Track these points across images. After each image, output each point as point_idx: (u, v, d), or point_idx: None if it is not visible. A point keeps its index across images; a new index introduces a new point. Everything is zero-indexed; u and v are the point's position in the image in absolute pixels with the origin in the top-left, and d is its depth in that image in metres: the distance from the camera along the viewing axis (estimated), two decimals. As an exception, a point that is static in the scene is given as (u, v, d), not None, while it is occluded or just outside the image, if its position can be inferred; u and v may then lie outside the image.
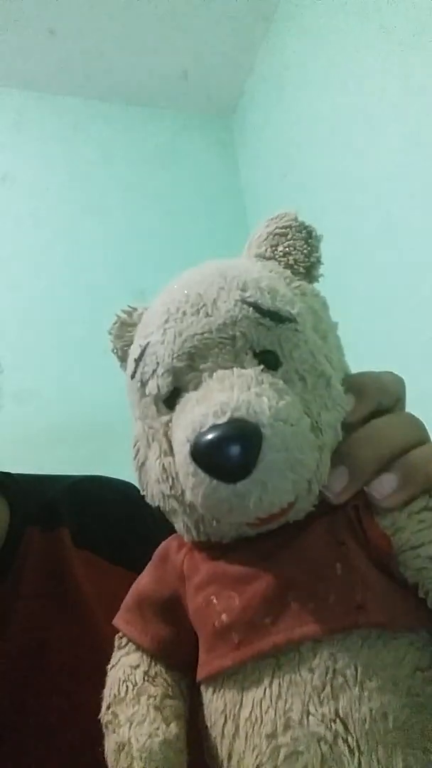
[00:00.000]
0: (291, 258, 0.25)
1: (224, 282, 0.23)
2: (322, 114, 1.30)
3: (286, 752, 0.20)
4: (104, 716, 0.24)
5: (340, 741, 0.19)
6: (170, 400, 0.23)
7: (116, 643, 0.27)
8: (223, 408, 0.20)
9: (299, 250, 0.25)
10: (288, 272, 0.25)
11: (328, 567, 0.21)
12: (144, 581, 0.27)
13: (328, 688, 0.20)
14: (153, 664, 0.25)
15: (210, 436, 0.19)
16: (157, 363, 0.23)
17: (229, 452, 0.19)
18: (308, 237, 0.25)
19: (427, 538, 0.21)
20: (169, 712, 0.23)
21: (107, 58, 1.54)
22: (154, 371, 0.23)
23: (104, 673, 0.27)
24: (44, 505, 0.50)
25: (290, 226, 0.25)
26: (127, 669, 0.25)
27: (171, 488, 0.23)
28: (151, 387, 0.23)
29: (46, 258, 1.49)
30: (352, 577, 0.21)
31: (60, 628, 0.42)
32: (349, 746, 0.19)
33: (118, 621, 0.27)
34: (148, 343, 0.24)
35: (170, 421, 0.23)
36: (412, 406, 0.27)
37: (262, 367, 0.22)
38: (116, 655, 0.26)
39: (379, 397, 0.25)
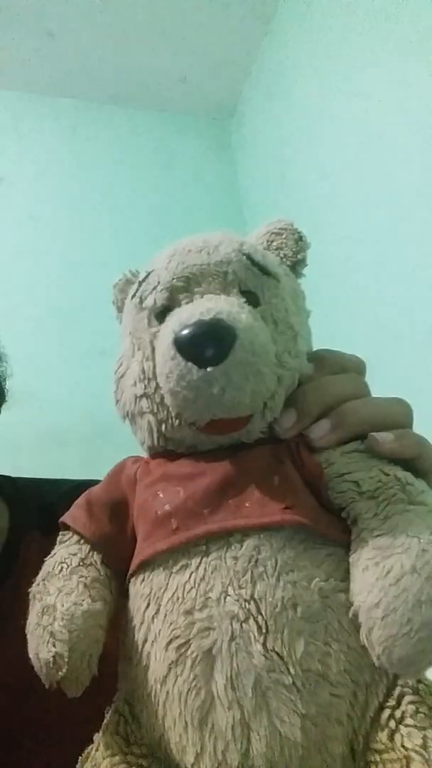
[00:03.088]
0: (282, 252, 0.30)
1: (227, 237, 0.28)
2: (319, 117, 1.30)
3: (199, 627, 0.22)
4: (33, 589, 0.27)
5: (251, 620, 0.21)
6: (161, 315, 0.27)
7: (58, 539, 0.29)
8: (209, 310, 0.23)
9: (289, 247, 0.30)
10: (278, 260, 0.30)
11: (268, 477, 0.24)
12: (96, 488, 0.30)
13: (248, 575, 0.22)
14: (90, 554, 0.27)
15: (193, 327, 0.23)
16: (158, 282, 0.27)
17: (206, 341, 0.23)
18: (299, 239, 0.30)
19: (354, 468, 0.24)
20: (97, 593, 0.26)
21: (106, 61, 1.55)
22: (154, 288, 0.27)
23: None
24: (44, 509, 0.50)
25: (286, 229, 0.30)
26: (64, 554, 0.28)
27: (145, 387, 0.26)
28: (149, 301, 0.27)
29: (45, 260, 1.49)
30: (287, 486, 0.24)
31: None
32: (258, 624, 0.21)
33: (65, 517, 0.29)
34: (153, 270, 0.28)
35: (158, 332, 0.27)
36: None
37: (245, 299, 0.26)
38: (56, 549, 0.28)
39: (336, 369, 0.29)
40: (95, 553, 0.27)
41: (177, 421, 0.26)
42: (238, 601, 0.22)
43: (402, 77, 1.01)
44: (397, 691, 0.21)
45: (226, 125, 1.81)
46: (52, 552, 0.29)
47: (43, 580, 0.27)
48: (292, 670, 0.21)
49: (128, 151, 1.67)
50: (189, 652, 0.22)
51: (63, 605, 0.25)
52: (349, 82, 1.18)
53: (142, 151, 1.68)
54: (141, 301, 0.28)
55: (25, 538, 0.47)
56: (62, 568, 0.27)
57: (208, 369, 0.22)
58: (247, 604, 0.22)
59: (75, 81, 1.59)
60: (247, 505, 0.24)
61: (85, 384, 1.39)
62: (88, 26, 1.43)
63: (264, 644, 0.21)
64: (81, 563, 0.27)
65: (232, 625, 0.21)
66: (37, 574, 0.45)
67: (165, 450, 0.28)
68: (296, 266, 0.30)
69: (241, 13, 1.44)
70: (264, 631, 0.21)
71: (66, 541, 0.29)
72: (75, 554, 0.27)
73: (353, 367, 0.31)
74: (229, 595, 0.22)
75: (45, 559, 0.29)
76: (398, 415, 0.27)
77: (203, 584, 0.22)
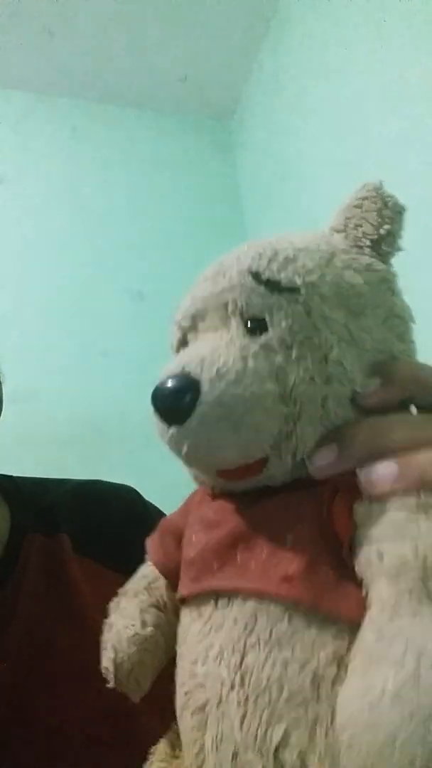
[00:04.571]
0: (360, 230, 0.25)
1: (245, 252, 0.24)
2: (320, 117, 1.30)
3: (197, 681, 0.22)
4: (113, 602, 0.29)
5: (234, 691, 0.20)
6: None
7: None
8: (180, 362, 0.22)
9: (369, 222, 0.25)
10: (346, 243, 0.25)
11: (280, 535, 0.22)
12: (172, 514, 0.30)
13: (242, 642, 0.21)
14: (158, 578, 0.29)
15: (160, 383, 0.22)
16: (174, 322, 0.27)
17: (168, 398, 0.22)
18: (383, 208, 0.25)
19: (387, 533, 0.19)
20: (150, 618, 0.27)
21: (106, 61, 1.55)
22: (173, 329, 0.27)
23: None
24: (44, 510, 0.50)
25: (367, 197, 0.25)
26: (139, 575, 0.30)
27: None
28: (171, 341, 0.27)
29: (44, 260, 1.49)
30: (297, 549, 0.21)
31: (60, 632, 0.42)
32: (239, 698, 0.20)
33: (147, 540, 0.31)
34: (178, 307, 0.27)
35: None
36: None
37: (243, 331, 0.23)
38: (140, 568, 0.30)
39: (411, 388, 0.23)
40: (162, 578, 0.29)
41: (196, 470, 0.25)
42: (228, 666, 0.21)
43: (402, 77, 1.01)
44: None
45: (226, 125, 1.81)
46: (139, 569, 0.30)
47: (120, 596, 0.29)
48: (264, 757, 0.19)
49: (128, 150, 1.67)
50: (191, 701, 0.22)
51: (116, 627, 0.27)
52: (349, 82, 1.18)
53: (142, 150, 1.68)
54: (170, 345, 0.28)
55: (25, 538, 0.47)
56: (133, 588, 0.29)
57: (171, 430, 0.22)
58: (234, 673, 0.20)
59: (75, 80, 1.59)
60: (252, 565, 0.22)
61: (85, 384, 1.39)
62: (88, 26, 1.43)
63: (242, 720, 0.20)
64: (147, 587, 0.29)
65: (221, 690, 0.21)
66: (38, 573, 0.45)
67: (209, 488, 0.27)
68: (379, 243, 0.25)
69: (241, 13, 1.44)
70: (243, 707, 0.20)
71: (147, 562, 0.30)
72: (146, 576, 0.29)
73: None
74: (223, 658, 0.21)
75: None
76: None
77: (208, 639, 0.22)
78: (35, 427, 1.25)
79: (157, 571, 0.29)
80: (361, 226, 0.25)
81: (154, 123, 1.72)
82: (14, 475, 0.54)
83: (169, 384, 0.22)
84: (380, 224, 0.25)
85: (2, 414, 0.51)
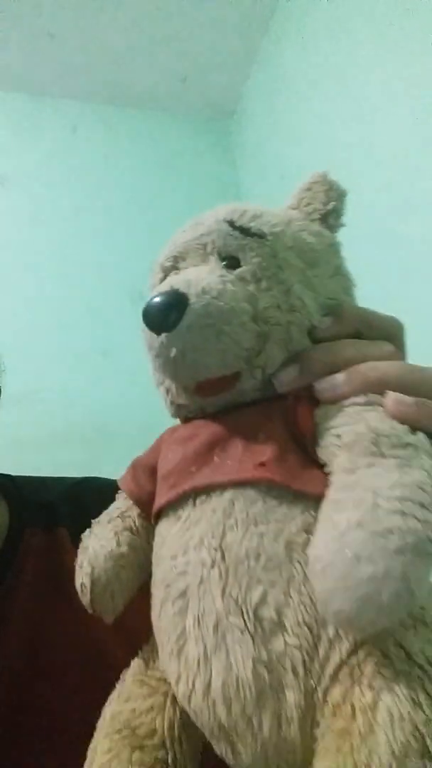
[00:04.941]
0: (311, 207, 0.30)
1: (221, 209, 0.29)
2: (320, 117, 1.30)
3: (178, 571, 0.24)
4: (86, 532, 0.31)
5: (215, 567, 0.23)
6: None
7: (116, 495, 0.33)
8: (170, 283, 0.25)
9: (318, 200, 0.30)
10: (300, 215, 0.29)
11: (252, 434, 0.25)
12: (142, 454, 0.33)
13: (221, 526, 0.23)
14: (131, 507, 0.31)
15: (151, 299, 0.25)
16: (156, 264, 0.30)
17: (159, 309, 0.24)
18: (329, 189, 0.30)
19: (343, 421, 0.23)
20: (124, 539, 0.29)
21: (106, 62, 1.55)
22: (154, 272, 0.30)
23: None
24: (43, 506, 0.50)
25: (316, 182, 0.30)
26: (112, 507, 0.32)
27: (152, 363, 0.28)
28: (151, 283, 0.30)
29: (45, 260, 1.49)
30: (268, 442, 0.25)
31: (59, 627, 0.42)
32: (219, 571, 0.23)
33: (118, 479, 0.33)
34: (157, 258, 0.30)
35: None
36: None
37: (221, 265, 0.27)
38: (111, 504, 0.33)
39: (358, 326, 0.27)
40: (135, 508, 0.31)
41: (174, 389, 0.28)
42: (208, 549, 0.23)
43: (402, 76, 1.01)
44: (363, 650, 0.21)
45: (225, 125, 1.81)
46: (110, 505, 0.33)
47: (92, 526, 0.32)
48: (245, 617, 0.22)
49: (128, 151, 1.68)
50: (171, 591, 0.24)
51: (92, 547, 0.29)
52: (348, 82, 1.18)
53: (142, 151, 1.68)
54: (150, 286, 0.30)
55: (25, 536, 0.47)
56: (106, 518, 0.31)
57: (162, 336, 0.24)
58: (215, 552, 0.23)
59: (75, 81, 1.60)
60: (228, 462, 0.25)
61: (85, 384, 1.39)
62: (88, 27, 1.44)
63: (223, 590, 0.22)
64: (120, 515, 0.31)
65: (201, 571, 0.23)
66: (37, 568, 0.45)
67: (183, 416, 0.30)
68: (327, 217, 0.29)
69: (240, 13, 1.44)
70: (224, 577, 0.22)
71: (118, 497, 0.33)
72: (119, 507, 0.32)
73: (382, 328, 0.28)
74: (203, 544, 0.24)
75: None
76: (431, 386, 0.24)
77: (187, 533, 0.25)
78: (35, 427, 1.25)
79: (129, 502, 0.31)
80: (311, 203, 0.30)
81: (154, 123, 1.73)
82: (13, 474, 0.54)
83: (160, 298, 0.25)
84: (327, 201, 0.29)
85: (3, 414, 0.51)
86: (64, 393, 1.37)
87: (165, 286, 0.25)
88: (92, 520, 0.32)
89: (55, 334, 1.42)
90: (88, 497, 0.53)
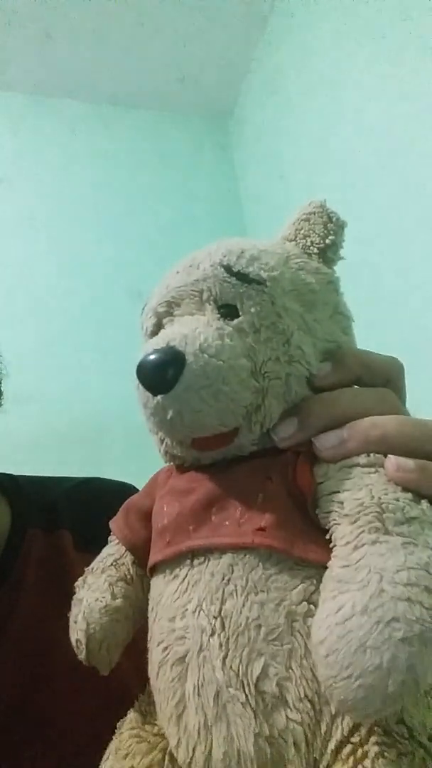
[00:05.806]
0: (308, 240, 0.29)
1: (216, 249, 0.27)
2: (318, 115, 1.30)
3: (177, 635, 0.24)
4: (78, 581, 0.31)
5: (215, 636, 0.22)
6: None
7: (109, 539, 0.32)
8: (164, 338, 0.24)
9: (316, 233, 0.29)
10: (297, 250, 0.29)
11: (252, 495, 0.24)
12: (135, 495, 0.32)
13: (219, 592, 0.23)
14: (124, 555, 0.30)
15: (147, 356, 0.24)
16: (149, 309, 0.29)
17: (155, 369, 0.24)
18: (328, 221, 0.29)
19: (345, 486, 0.23)
20: (119, 591, 0.29)
21: (104, 62, 1.55)
22: (147, 315, 0.29)
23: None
24: (45, 506, 0.50)
25: (314, 213, 0.29)
26: (104, 553, 0.31)
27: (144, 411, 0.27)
28: (144, 327, 0.29)
29: (44, 261, 1.49)
30: (268, 504, 0.24)
31: (61, 627, 0.42)
32: (220, 641, 0.22)
33: (110, 522, 0.32)
34: (149, 297, 0.29)
35: None
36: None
37: (218, 315, 0.26)
38: (104, 548, 0.32)
39: (358, 371, 0.27)
40: (129, 555, 0.30)
41: (170, 441, 0.27)
42: (207, 616, 0.23)
43: (400, 75, 1.01)
44: (365, 728, 0.20)
45: (224, 125, 1.81)
46: (102, 550, 0.32)
47: (85, 575, 0.31)
48: (247, 690, 0.21)
49: (127, 151, 1.67)
50: (169, 655, 0.24)
51: (87, 600, 0.29)
52: (346, 81, 1.18)
53: (141, 151, 1.68)
54: (142, 328, 0.30)
55: (26, 536, 0.47)
56: (99, 566, 0.31)
57: (159, 397, 0.23)
58: (214, 620, 0.23)
59: (73, 81, 1.60)
60: (226, 523, 0.24)
61: (85, 384, 1.39)
62: (85, 27, 1.43)
63: (223, 660, 0.22)
64: (113, 563, 0.30)
65: (201, 638, 0.23)
66: (39, 569, 0.45)
67: (178, 464, 0.29)
68: (325, 251, 0.28)
69: (238, 12, 1.44)
70: (225, 648, 0.22)
71: (111, 542, 0.32)
72: (112, 554, 0.31)
73: (381, 370, 0.27)
74: (202, 610, 0.23)
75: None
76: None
77: (185, 596, 0.24)
78: (35, 428, 1.25)
79: (122, 549, 0.31)
80: (309, 236, 0.29)
81: (152, 123, 1.73)
82: (15, 474, 0.54)
83: (156, 356, 0.24)
84: (326, 235, 0.28)
85: (3, 414, 0.51)
86: (64, 393, 1.37)
87: (160, 341, 0.24)
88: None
89: (55, 334, 1.42)
90: (89, 499, 0.53)
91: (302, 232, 0.29)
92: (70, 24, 1.42)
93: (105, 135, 1.66)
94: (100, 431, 1.35)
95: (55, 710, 0.40)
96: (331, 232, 0.28)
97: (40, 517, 0.49)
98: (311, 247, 0.28)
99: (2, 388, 0.54)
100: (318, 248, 0.28)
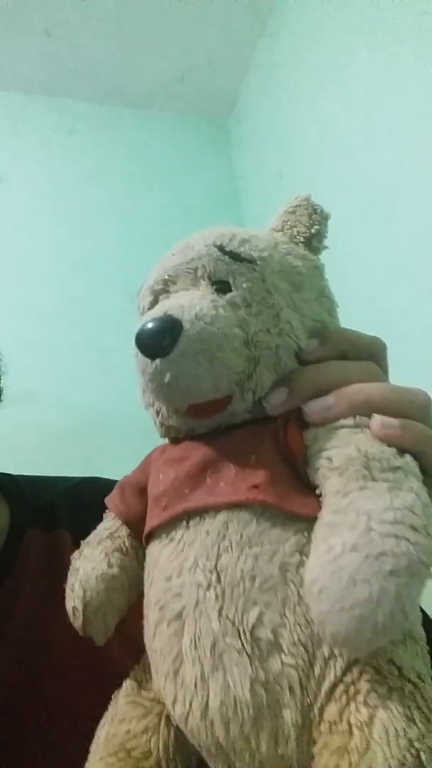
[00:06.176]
0: (295, 230, 0.30)
1: (209, 233, 0.29)
2: (317, 115, 1.30)
3: (173, 592, 0.24)
4: (75, 553, 0.31)
5: (211, 588, 0.23)
6: None
7: (104, 515, 0.33)
8: (163, 308, 0.25)
9: (302, 223, 0.30)
10: (285, 238, 0.30)
11: (244, 456, 0.25)
12: (130, 473, 0.33)
13: (215, 548, 0.24)
14: (120, 528, 0.31)
15: (144, 324, 0.25)
16: (145, 287, 0.30)
17: (153, 335, 0.25)
18: (313, 213, 0.30)
19: (333, 444, 0.24)
20: (115, 560, 0.29)
21: (103, 61, 1.55)
22: (143, 294, 0.30)
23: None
24: (44, 506, 0.50)
25: (299, 205, 0.31)
26: (100, 527, 0.32)
27: (141, 384, 0.28)
28: (140, 306, 0.31)
29: (43, 259, 1.49)
30: (260, 464, 0.25)
31: (60, 628, 0.42)
32: (216, 593, 0.23)
33: (106, 499, 0.33)
34: (145, 280, 0.31)
35: None
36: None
37: (211, 290, 0.27)
38: (100, 523, 0.33)
39: (344, 347, 0.28)
40: (124, 528, 0.31)
41: (165, 411, 0.28)
42: (203, 571, 0.24)
43: (400, 74, 1.01)
44: (357, 668, 0.21)
45: (223, 124, 1.81)
46: (98, 526, 0.33)
47: (81, 547, 0.31)
48: (242, 637, 0.22)
49: (126, 150, 1.67)
50: (166, 612, 0.24)
51: (83, 569, 0.29)
52: (346, 79, 1.18)
53: (140, 150, 1.68)
54: (138, 308, 0.31)
55: (26, 536, 0.47)
56: (95, 539, 0.31)
57: (156, 362, 0.24)
58: (210, 574, 0.23)
59: (72, 80, 1.59)
60: (221, 484, 0.25)
61: (84, 383, 1.39)
62: (85, 26, 1.43)
63: (219, 611, 0.23)
64: (109, 536, 0.31)
65: (197, 593, 0.23)
66: (38, 569, 0.45)
67: (172, 437, 0.30)
68: (310, 240, 0.30)
69: (237, 11, 1.44)
70: (221, 599, 0.23)
71: (106, 517, 0.33)
72: (108, 528, 0.32)
73: (364, 346, 0.29)
74: (198, 566, 0.24)
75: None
76: (413, 406, 0.25)
77: (181, 555, 0.25)
78: (34, 427, 1.25)
79: (117, 523, 0.31)
80: (295, 226, 0.30)
81: (151, 123, 1.73)
82: (14, 473, 0.54)
83: (154, 324, 0.25)
84: (311, 225, 0.30)
85: (2, 414, 0.51)
86: (63, 393, 1.36)
87: (158, 311, 0.25)
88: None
89: (54, 333, 1.42)
90: (88, 499, 0.53)
91: (289, 223, 0.30)
92: (70, 23, 1.42)
93: (104, 134, 1.66)
94: (99, 431, 1.35)
95: (53, 710, 0.40)
96: (316, 222, 0.30)
97: (39, 517, 0.49)
98: (297, 236, 0.30)
99: (2, 385, 0.54)
100: (304, 237, 0.30)
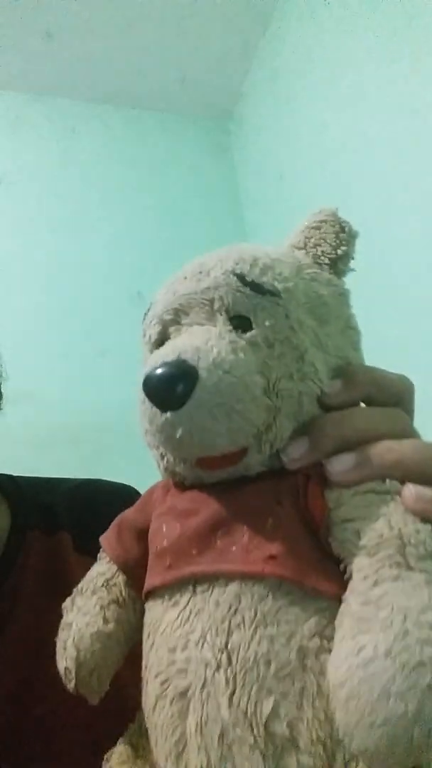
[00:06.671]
0: (319, 249, 0.27)
1: (226, 256, 0.26)
2: (318, 117, 1.30)
3: (178, 667, 0.22)
4: (66, 603, 0.29)
5: (221, 670, 0.21)
6: (157, 347, 0.26)
7: (98, 556, 0.30)
8: (175, 350, 0.23)
9: (328, 243, 0.27)
10: (308, 260, 0.27)
11: (260, 519, 0.23)
12: (129, 511, 0.30)
13: (226, 623, 0.21)
14: (116, 575, 0.29)
15: (155, 369, 0.22)
16: (154, 315, 0.27)
17: (165, 384, 0.22)
18: (340, 231, 0.27)
19: (360, 514, 0.21)
20: (111, 614, 0.27)
21: (104, 61, 1.55)
22: (151, 321, 0.27)
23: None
24: (45, 508, 0.50)
25: (325, 221, 0.27)
26: (94, 573, 0.29)
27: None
28: (147, 335, 0.27)
29: (44, 260, 1.49)
30: (278, 531, 0.22)
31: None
32: (226, 677, 0.20)
33: (101, 538, 0.31)
34: (153, 302, 0.28)
35: None
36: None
37: (230, 327, 0.24)
38: (93, 565, 0.30)
39: (368, 389, 0.26)
40: (121, 574, 0.29)
41: (172, 458, 0.25)
42: (212, 648, 0.21)
43: (402, 75, 1.01)
44: None
45: (224, 125, 1.81)
46: (92, 568, 0.30)
47: (74, 595, 0.29)
48: (255, 731, 0.20)
49: (127, 151, 1.67)
50: (169, 689, 0.22)
51: (77, 625, 0.27)
52: (348, 81, 1.18)
53: (141, 151, 1.68)
54: (144, 335, 0.28)
55: (26, 537, 0.47)
56: (89, 587, 0.29)
57: (168, 414, 0.22)
58: (220, 653, 0.21)
59: (73, 81, 1.59)
60: (233, 549, 0.23)
61: (85, 384, 1.39)
62: (86, 27, 1.43)
63: (230, 698, 0.20)
64: (105, 584, 0.28)
65: (205, 672, 0.21)
66: (39, 571, 0.45)
67: (177, 482, 0.27)
68: (336, 263, 0.27)
69: (239, 12, 1.44)
70: (232, 684, 0.20)
71: (101, 559, 0.30)
72: (103, 574, 0.29)
73: (392, 389, 0.27)
74: (206, 641, 0.21)
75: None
76: None
77: (187, 625, 0.22)
78: (34, 428, 1.25)
79: (113, 568, 0.29)
80: (320, 245, 0.27)
81: (152, 124, 1.73)
82: (15, 474, 0.54)
83: (166, 370, 0.22)
84: (338, 245, 0.27)
85: (2, 414, 0.51)
86: (64, 393, 1.36)
87: (170, 353, 0.23)
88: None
89: (54, 334, 1.42)
90: (89, 501, 0.53)
91: (313, 240, 0.27)
92: (71, 23, 1.42)
93: (105, 135, 1.66)
94: (100, 432, 1.35)
95: (53, 714, 0.40)
96: (344, 242, 0.27)
97: (40, 518, 0.49)
98: (322, 257, 0.27)
99: (2, 390, 0.53)
100: (329, 258, 0.27)
